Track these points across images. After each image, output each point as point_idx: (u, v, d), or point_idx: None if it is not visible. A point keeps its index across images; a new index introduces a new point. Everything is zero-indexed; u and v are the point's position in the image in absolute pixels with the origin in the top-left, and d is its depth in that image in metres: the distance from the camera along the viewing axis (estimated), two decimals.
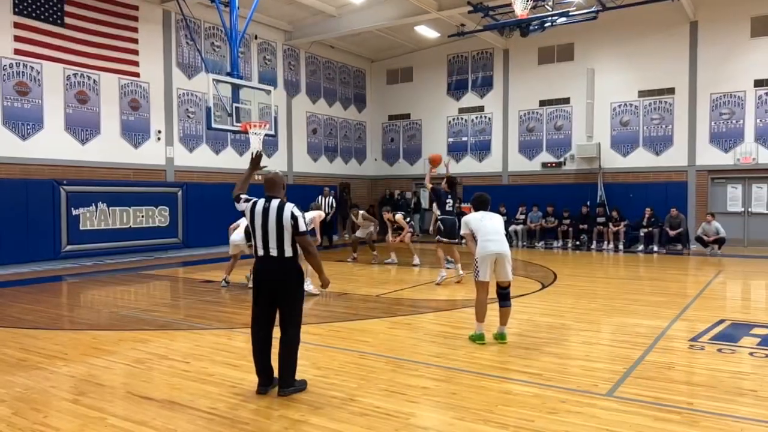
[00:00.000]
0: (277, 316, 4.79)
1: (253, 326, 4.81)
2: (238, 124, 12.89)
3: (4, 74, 12.82)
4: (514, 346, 6.22)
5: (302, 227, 4.65)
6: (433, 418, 4.26)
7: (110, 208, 14.46)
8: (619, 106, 18.51)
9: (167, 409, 4.44)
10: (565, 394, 4.72)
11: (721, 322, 7.28)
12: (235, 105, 12.97)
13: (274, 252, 4.64)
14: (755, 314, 7.83)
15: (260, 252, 4.72)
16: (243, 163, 17.71)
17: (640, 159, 18.22)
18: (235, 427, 4.10)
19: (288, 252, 4.64)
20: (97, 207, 14.29)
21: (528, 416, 4.26)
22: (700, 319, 7.43)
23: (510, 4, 13.72)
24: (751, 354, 5.86)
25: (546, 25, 15.07)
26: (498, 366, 5.54)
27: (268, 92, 14.08)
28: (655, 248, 16.18)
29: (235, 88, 13.06)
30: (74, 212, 13.89)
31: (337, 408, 4.43)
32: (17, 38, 12.97)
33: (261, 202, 4.72)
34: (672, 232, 16.23)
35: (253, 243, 4.83)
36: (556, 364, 5.55)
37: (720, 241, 15.07)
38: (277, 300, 4.70)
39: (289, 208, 4.66)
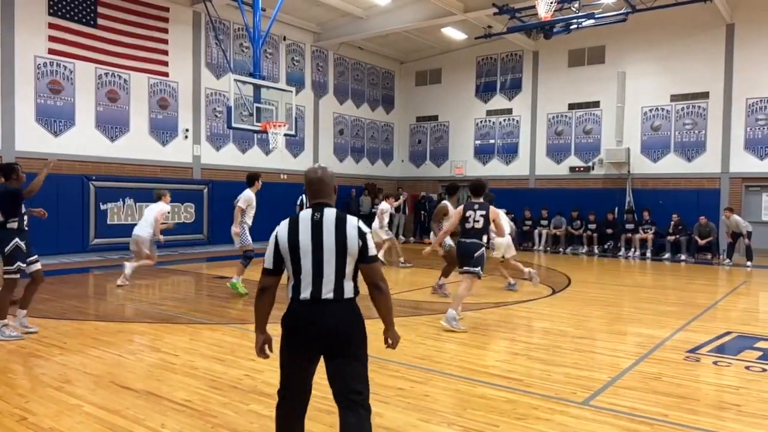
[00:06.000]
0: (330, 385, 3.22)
1: (283, 404, 3.27)
2: (259, 124, 13.13)
3: (38, 73, 13.34)
4: (503, 351, 6.20)
5: (372, 250, 3.19)
6: (397, 419, 4.26)
7: (137, 204, 14.84)
8: (651, 110, 18.06)
9: (143, 400, 4.57)
10: (540, 401, 4.67)
11: (727, 333, 7.07)
12: (256, 105, 13.22)
13: (328, 293, 3.08)
14: (766, 327, 7.55)
15: (303, 293, 3.08)
16: (268, 162, 18.01)
17: (671, 165, 17.75)
18: (203, 419, 4.20)
19: (349, 291, 3.15)
20: (124, 202, 14.75)
21: (494, 421, 4.23)
22: (704, 330, 7.23)
23: (535, 6, 13.57)
24: (747, 368, 5.66)
25: (572, 27, 14.83)
26: (480, 370, 5.51)
27: (289, 93, 14.31)
28: (683, 257, 15.73)
29: (257, 89, 13.30)
30: (102, 207, 14.37)
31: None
32: (51, 38, 13.49)
33: (306, 214, 3.17)
34: (701, 242, 15.73)
35: (291, 277, 3.15)
36: (540, 371, 5.50)
37: (748, 250, 14.52)
38: (332, 359, 3.15)
39: (354, 222, 3.16)
